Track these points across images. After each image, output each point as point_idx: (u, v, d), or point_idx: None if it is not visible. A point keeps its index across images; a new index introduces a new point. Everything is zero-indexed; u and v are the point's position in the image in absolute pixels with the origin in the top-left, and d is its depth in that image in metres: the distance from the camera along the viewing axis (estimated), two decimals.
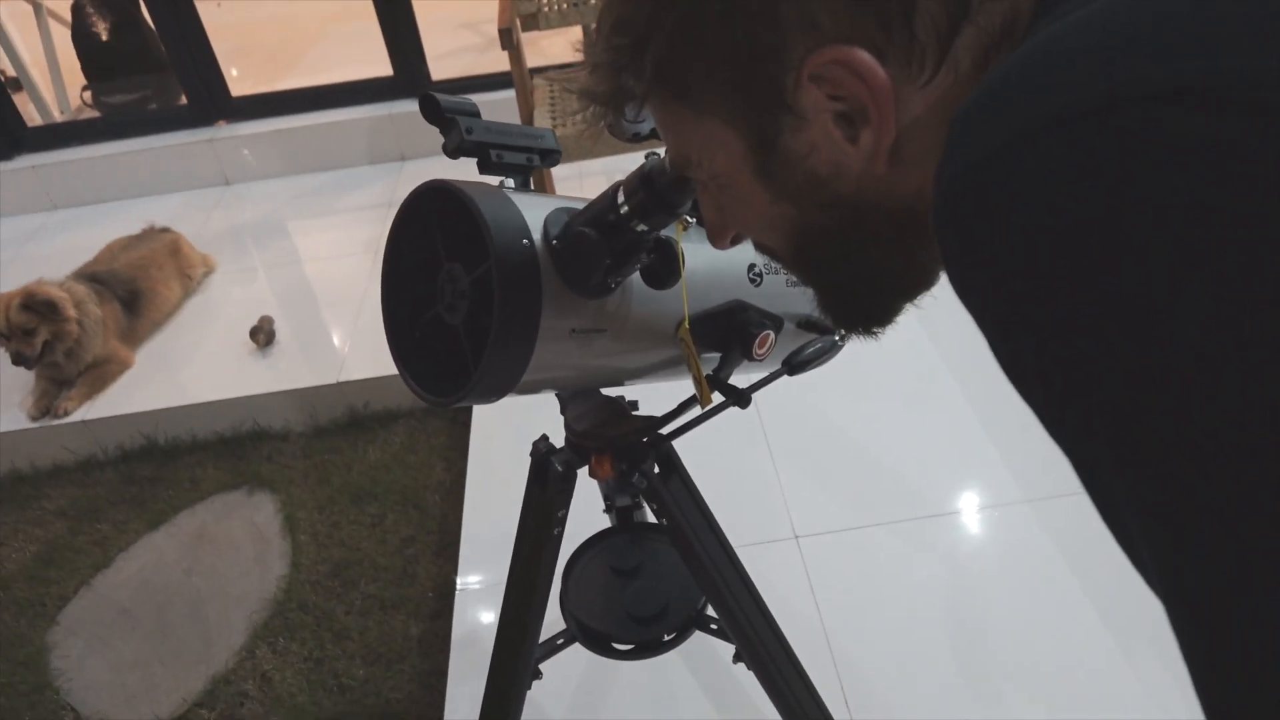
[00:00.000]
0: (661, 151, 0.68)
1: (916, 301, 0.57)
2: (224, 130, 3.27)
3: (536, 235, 0.66)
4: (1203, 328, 0.30)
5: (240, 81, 3.40)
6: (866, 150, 0.45)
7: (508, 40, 2.22)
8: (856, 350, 1.08)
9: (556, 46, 3.91)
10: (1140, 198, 0.31)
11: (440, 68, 3.28)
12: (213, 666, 1.69)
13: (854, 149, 0.46)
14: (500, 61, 2.49)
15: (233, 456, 2.18)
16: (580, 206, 0.70)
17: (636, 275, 0.72)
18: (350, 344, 2.34)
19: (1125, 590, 1.45)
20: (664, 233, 0.70)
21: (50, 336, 2.16)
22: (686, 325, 0.73)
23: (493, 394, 0.68)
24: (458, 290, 0.69)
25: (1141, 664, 1.37)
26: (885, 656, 1.43)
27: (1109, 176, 0.32)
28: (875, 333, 0.58)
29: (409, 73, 3.23)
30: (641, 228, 0.64)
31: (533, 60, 2.46)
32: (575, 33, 3.84)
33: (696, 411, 0.81)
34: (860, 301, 0.57)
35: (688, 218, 0.67)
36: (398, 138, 3.22)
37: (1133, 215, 0.31)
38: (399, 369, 0.72)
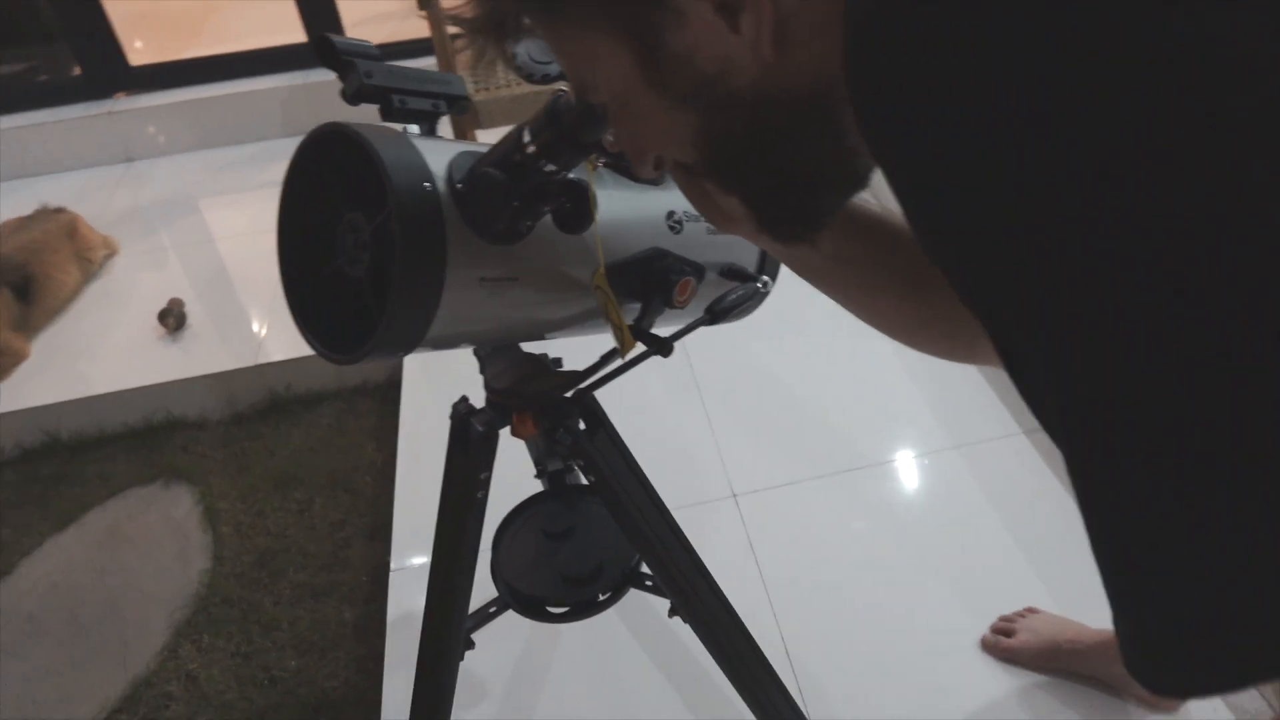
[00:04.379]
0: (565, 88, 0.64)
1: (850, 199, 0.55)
2: (124, 103, 3.09)
3: (440, 180, 0.62)
4: (1100, 188, 0.30)
5: (142, 52, 3.22)
6: (750, 37, 0.43)
7: (426, 1, 2.12)
8: (783, 303, 1.05)
9: None
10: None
11: (359, 34, 3.12)
12: (133, 669, 1.60)
13: (738, 38, 0.44)
14: (421, 28, 2.40)
15: (145, 449, 2.07)
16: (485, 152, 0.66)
17: (549, 221, 0.67)
18: (269, 325, 2.24)
19: (1047, 527, 1.50)
20: (575, 175, 0.66)
21: None
22: (602, 271, 0.69)
23: (400, 348, 0.64)
24: (359, 241, 0.65)
25: (1063, 597, 1.39)
26: (826, 607, 1.44)
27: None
28: (809, 238, 0.56)
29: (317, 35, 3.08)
30: (550, 168, 0.61)
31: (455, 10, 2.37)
32: None
33: (619, 362, 0.78)
34: (785, 201, 0.54)
35: (601, 161, 0.63)
36: (315, 108, 3.08)
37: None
38: (299, 326, 0.67)
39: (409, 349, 0.65)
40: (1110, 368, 0.32)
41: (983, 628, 1.37)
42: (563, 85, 0.69)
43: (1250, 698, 1.27)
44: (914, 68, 0.34)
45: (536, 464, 1.11)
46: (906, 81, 0.35)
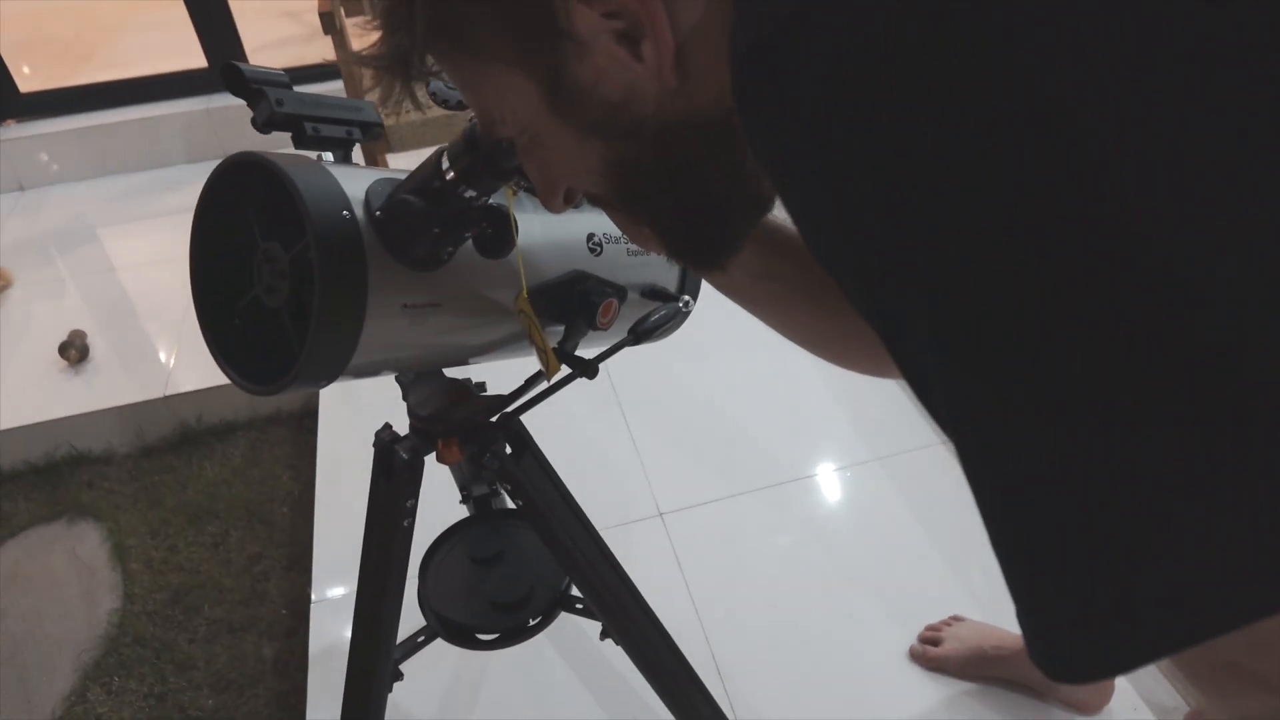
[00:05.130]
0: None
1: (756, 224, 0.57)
2: (13, 130, 2.97)
3: (358, 208, 0.62)
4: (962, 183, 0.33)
5: (31, 79, 3.10)
6: (652, 65, 0.45)
7: (330, 24, 2.11)
8: (704, 323, 1.08)
9: None
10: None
11: (260, 59, 3.07)
12: (36, 716, 1.53)
13: (641, 66, 0.45)
14: (325, 51, 2.37)
15: (47, 485, 1.98)
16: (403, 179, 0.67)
17: (470, 246, 0.68)
18: (176, 355, 2.18)
19: (969, 536, 1.55)
20: (494, 200, 0.67)
21: None
22: (525, 295, 0.70)
23: (321, 378, 0.64)
24: (276, 270, 0.64)
25: (988, 604, 1.45)
26: (755, 622, 1.45)
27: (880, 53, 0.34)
28: (721, 264, 0.58)
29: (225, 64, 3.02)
30: (470, 194, 0.61)
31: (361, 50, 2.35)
32: None
33: (544, 385, 0.79)
34: (696, 230, 0.56)
35: (521, 184, 0.64)
36: (217, 134, 3.01)
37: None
38: (217, 361, 0.66)
39: (331, 378, 0.65)
40: (979, 312, 0.34)
41: (910, 638, 1.40)
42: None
43: (1168, 694, 1.33)
44: (785, 96, 0.37)
45: (461, 489, 1.11)
46: (780, 107, 0.38)
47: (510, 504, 1.02)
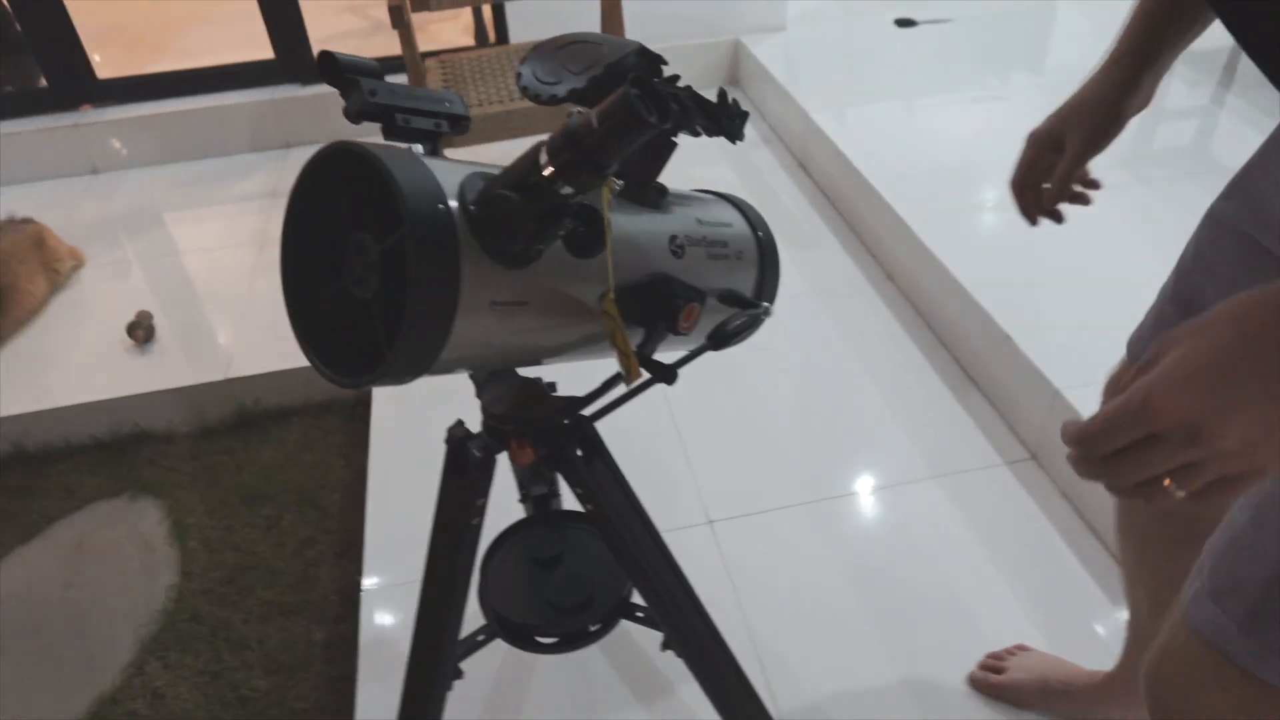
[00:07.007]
0: (578, 110, 0.65)
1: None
2: (90, 115, 3.05)
3: (453, 200, 0.62)
4: None
5: (105, 66, 3.19)
6: None
7: (398, 19, 2.13)
8: (763, 333, 1.06)
9: (446, 32, 3.81)
10: None
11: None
12: (98, 686, 1.57)
13: None
14: (388, 46, 2.40)
15: (112, 461, 2.03)
16: (497, 173, 0.67)
17: (559, 244, 0.68)
18: (237, 339, 2.22)
19: (1034, 563, 1.51)
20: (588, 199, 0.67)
21: None
22: (612, 296, 0.70)
23: (408, 373, 0.64)
24: (367, 262, 0.65)
25: (1050, 625, 1.41)
26: (805, 638, 1.43)
27: None
28: None
29: (291, 56, 3.07)
30: (566, 190, 0.61)
31: (422, 46, 2.38)
32: (466, 16, 3.75)
33: (623, 390, 0.78)
34: None
35: (615, 180, 0.63)
36: (282, 124, 3.07)
37: None
38: (304, 350, 0.67)
39: (417, 374, 0.65)
40: None
41: (970, 664, 1.36)
42: (574, 106, 0.70)
43: None
44: None
45: (520, 488, 1.12)
46: None
47: (565, 507, 1.02)
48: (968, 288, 1.88)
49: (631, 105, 0.56)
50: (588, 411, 0.82)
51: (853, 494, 1.69)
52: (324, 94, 3.03)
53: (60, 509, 1.93)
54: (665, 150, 0.78)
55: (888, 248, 2.27)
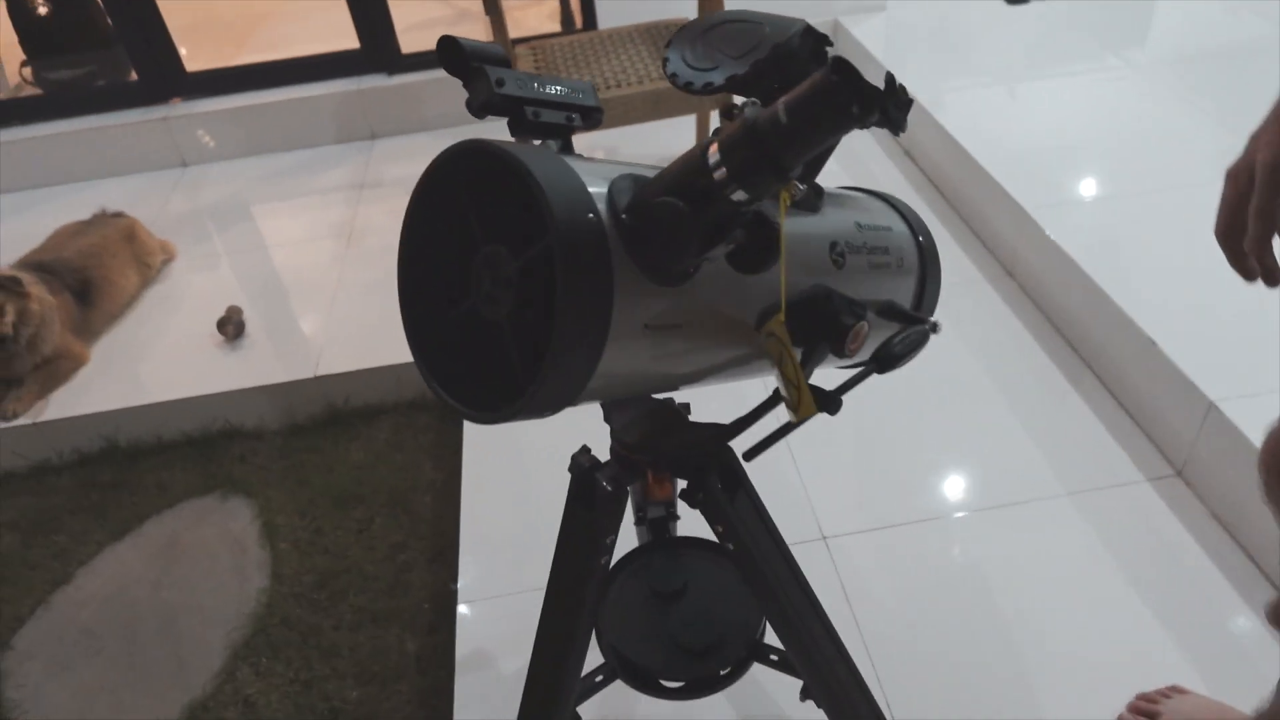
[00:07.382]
0: (743, 100, 0.55)
1: None
2: (179, 108, 3.07)
3: (602, 208, 0.53)
4: None
5: (193, 59, 3.20)
6: None
7: (491, 4, 2.06)
8: None
9: (531, 19, 3.74)
10: None
11: (410, 40, 3.10)
12: (189, 691, 1.54)
13: None
14: (473, 34, 2.33)
15: (202, 458, 2.02)
16: (647, 174, 0.57)
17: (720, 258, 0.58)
18: (326, 335, 2.18)
19: (1187, 592, 1.37)
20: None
21: (15, 317, 1.97)
22: (782, 317, 0.60)
23: (551, 406, 0.55)
24: (500, 279, 0.56)
25: (1196, 649, 1.28)
26: (934, 668, 1.32)
27: None
28: None
29: (377, 45, 3.04)
30: (739, 195, 0.51)
31: (510, 32, 2.30)
32: (551, 2, 3.68)
33: (787, 422, 0.68)
34: None
35: (797, 184, 0.53)
36: (367, 114, 3.04)
37: None
38: (431, 386, 0.58)
39: (559, 407, 0.56)
40: None
41: (1117, 705, 1.24)
42: (738, 98, 0.59)
43: None
44: None
45: (636, 510, 1.03)
46: None
47: (680, 531, 0.93)
48: (1102, 286, 1.72)
49: (836, 95, 0.46)
50: (754, 447, 0.72)
51: (978, 510, 1.56)
52: (410, 83, 2.99)
53: (152, 506, 1.92)
54: (832, 144, 0.68)
55: (1006, 240, 2.11)
